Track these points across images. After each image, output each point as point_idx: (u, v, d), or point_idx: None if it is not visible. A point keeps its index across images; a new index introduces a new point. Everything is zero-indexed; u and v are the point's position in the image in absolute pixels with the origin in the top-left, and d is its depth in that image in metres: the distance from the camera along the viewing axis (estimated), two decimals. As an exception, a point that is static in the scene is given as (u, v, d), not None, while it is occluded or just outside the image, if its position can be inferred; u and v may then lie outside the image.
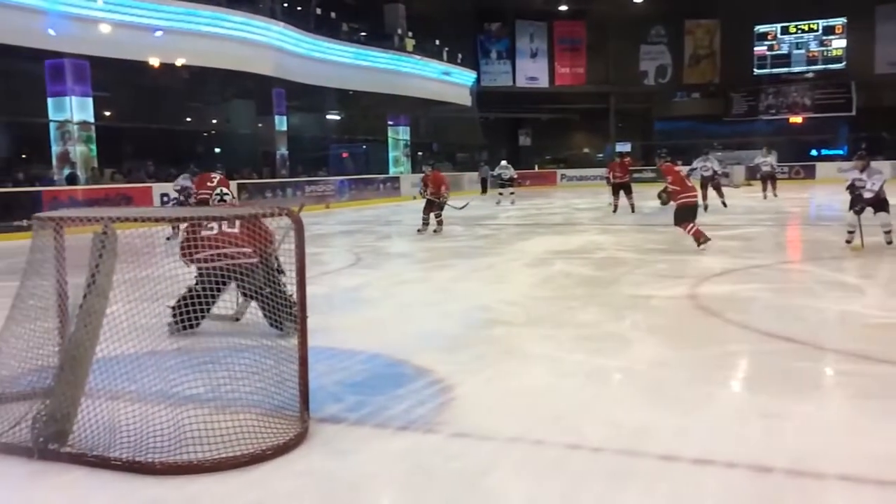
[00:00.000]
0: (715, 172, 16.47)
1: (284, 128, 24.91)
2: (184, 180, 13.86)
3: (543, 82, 37.45)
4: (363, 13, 28.14)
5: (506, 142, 37.09)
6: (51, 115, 17.60)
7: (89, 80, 17.73)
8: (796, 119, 35.71)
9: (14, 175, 16.92)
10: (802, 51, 35.70)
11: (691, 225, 9.68)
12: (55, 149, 17.74)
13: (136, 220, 3.90)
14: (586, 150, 39.09)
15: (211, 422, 3.33)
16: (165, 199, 16.40)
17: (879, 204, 9.15)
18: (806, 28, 35.50)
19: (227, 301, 5.35)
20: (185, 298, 4.75)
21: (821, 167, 31.08)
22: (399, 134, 31.52)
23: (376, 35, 27.96)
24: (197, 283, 5.03)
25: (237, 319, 5.43)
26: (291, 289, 3.89)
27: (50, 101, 17.52)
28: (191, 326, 4.91)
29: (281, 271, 4.96)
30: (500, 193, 22.42)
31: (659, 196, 10.18)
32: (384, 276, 9.03)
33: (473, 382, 4.38)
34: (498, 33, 37.02)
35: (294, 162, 25.22)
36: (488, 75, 36.29)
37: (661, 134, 37.02)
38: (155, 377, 3.69)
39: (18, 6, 15.27)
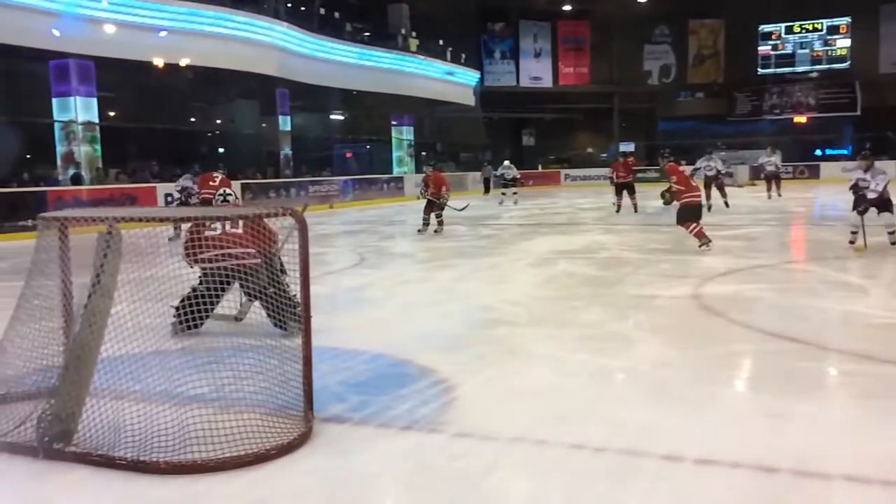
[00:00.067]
0: (719, 172, 16.43)
1: (288, 128, 24.92)
2: (185, 181, 13.87)
3: (547, 82, 37.42)
4: (367, 13, 28.15)
5: (509, 142, 37.07)
6: (55, 116, 17.64)
7: (94, 81, 17.76)
8: (800, 119, 35.63)
9: (20, 175, 16.97)
10: (807, 50, 35.62)
11: (694, 225, 9.67)
12: (60, 149, 17.77)
13: (140, 220, 3.91)
14: (590, 150, 39.07)
15: (215, 421, 3.33)
16: (169, 199, 16.42)
17: (883, 204, 9.10)
18: (810, 28, 35.42)
19: (230, 301, 5.36)
20: (188, 298, 4.76)
21: (825, 167, 31.01)
22: (403, 134, 31.52)
23: (380, 35, 27.96)
24: (201, 284, 5.04)
25: (239, 319, 5.43)
26: (295, 289, 3.89)
27: (54, 101, 17.56)
28: (194, 327, 4.91)
29: (283, 271, 4.97)
30: (503, 193, 22.41)
31: (662, 196, 10.18)
32: (387, 276, 9.04)
33: (476, 382, 4.38)
34: (502, 33, 37.01)
35: (298, 162, 25.23)
36: (492, 75, 36.28)
37: (665, 134, 36.99)
38: (159, 377, 3.70)
39: (23, 7, 15.30)
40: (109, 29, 17.09)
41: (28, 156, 18.22)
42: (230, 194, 6.70)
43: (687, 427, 3.57)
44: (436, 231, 13.22)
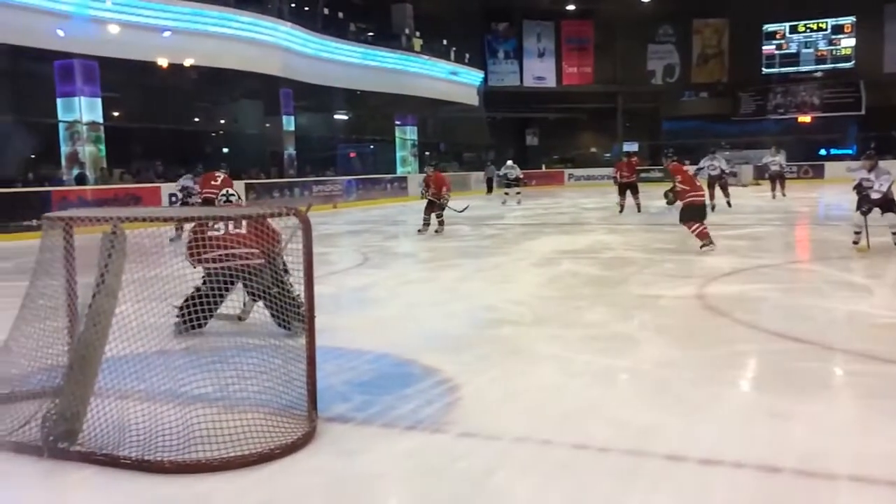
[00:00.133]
0: (722, 171, 16.39)
1: (292, 128, 24.93)
2: (185, 180, 13.88)
3: (551, 82, 37.38)
4: (371, 13, 28.15)
5: (513, 141, 37.05)
6: (60, 116, 17.68)
7: (98, 81, 17.78)
8: (805, 118, 35.54)
9: (25, 175, 17.02)
10: (811, 50, 35.54)
11: (697, 225, 9.64)
12: (64, 149, 17.82)
13: (144, 219, 3.91)
14: (594, 150, 39.00)
15: (219, 421, 3.34)
16: (174, 199, 16.46)
17: (887, 204, 9.04)
18: (815, 27, 35.34)
19: (233, 300, 5.36)
20: (191, 299, 4.76)
21: (829, 167, 30.92)
22: (406, 134, 31.52)
23: (384, 35, 27.97)
24: (204, 284, 5.04)
25: (242, 319, 5.43)
26: (298, 288, 3.90)
27: (59, 101, 17.60)
28: (197, 327, 4.92)
29: (286, 271, 4.97)
30: (506, 193, 22.41)
31: (665, 195, 10.16)
32: (391, 275, 9.04)
33: (480, 382, 4.38)
34: (505, 33, 36.99)
35: (302, 162, 25.25)
36: (496, 75, 36.26)
37: (669, 133, 36.91)
38: (163, 376, 3.71)
39: (28, 7, 15.34)
40: (113, 29, 17.11)
41: (33, 156, 18.27)
42: (233, 194, 6.70)
43: (691, 427, 3.57)
44: (436, 231, 13.22)
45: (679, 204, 9.86)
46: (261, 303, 5.06)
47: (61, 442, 3.34)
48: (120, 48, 17.15)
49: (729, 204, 16.36)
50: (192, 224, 5.41)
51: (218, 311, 5.20)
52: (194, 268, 4.94)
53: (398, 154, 31.10)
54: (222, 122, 26.66)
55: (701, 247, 9.47)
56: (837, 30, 34.96)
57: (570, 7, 35.94)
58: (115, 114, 20.11)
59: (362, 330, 5.81)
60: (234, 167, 16.85)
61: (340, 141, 30.12)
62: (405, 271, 9.59)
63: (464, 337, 5.52)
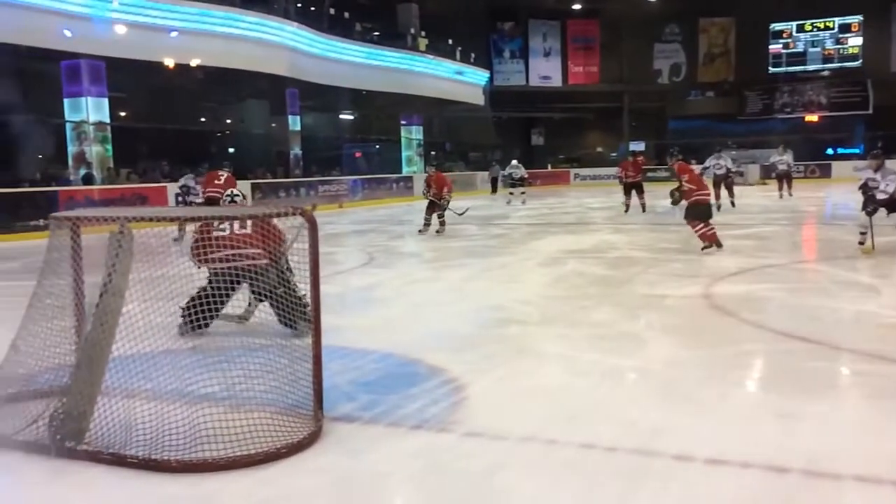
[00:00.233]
0: (728, 171, 16.35)
1: (298, 128, 24.99)
2: (186, 179, 13.84)
3: (557, 81, 37.37)
4: (376, 13, 28.18)
5: (519, 141, 37.05)
6: (67, 116, 17.75)
7: (105, 81, 17.86)
8: (812, 117, 35.43)
9: (32, 175, 17.08)
10: (818, 49, 35.42)
11: (702, 225, 9.59)
12: (71, 149, 17.88)
13: (151, 219, 3.92)
14: (600, 150, 38.96)
15: (226, 420, 3.35)
16: (179, 199, 16.50)
17: (893, 205, 8.98)
18: (822, 26, 35.22)
19: (238, 300, 5.36)
20: (196, 299, 4.75)
21: (837, 166, 30.79)
22: (412, 133, 31.56)
23: (389, 35, 28.00)
24: (210, 284, 5.04)
25: (246, 320, 5.42)
26: (304, 288, 3.90)
27: (66, 101, 17.67)
28: (202, 327, 4.92)
29: (289, 271, 4.97)
30: (511, 193, 22.40)
31: (671, 195, 10.13)
32: (397, 275, 9.05)
33: (486, 382, 4.38)
34: (511, 32, 36.97)
35: (308, 162, 25.31)
36: (501, 75, 36.26)
37: (676, 133, 36.81)
38: (170, 376, 3.71)
39: (35, 7, 15.39)
40: (120, 29, 17.17)
41: (40, 156, 18.34)
42: (237, 194, 6.68)
43: (697, 427, 3.56)
44: (437, 232, 13.21)
45: (684, 203, 9.83)
46: (266, 303, 5.06)
47: (69, 441, 3.35)
48: (127, 48, 17.21)
49: (733, 204, 16.31)
50: (196, 224, 5.41)
51: (222, 311, 5.19)
52: (199, 268, 4.94)
53: (404, 154, 31.13)
54: (228, 122, 26.72)
55: (702, 248, 9.43)
56: (845, 29, 34.83)
57: (576, 6, 35.94)
58: (122, 114, 20.18)
59: (368, 329, 5.81)
60: (240, 167, 16.87)
61: (346, 141, 30.17)
62: (411, 271, 9.59)
63: (470, 336, 5.52)
